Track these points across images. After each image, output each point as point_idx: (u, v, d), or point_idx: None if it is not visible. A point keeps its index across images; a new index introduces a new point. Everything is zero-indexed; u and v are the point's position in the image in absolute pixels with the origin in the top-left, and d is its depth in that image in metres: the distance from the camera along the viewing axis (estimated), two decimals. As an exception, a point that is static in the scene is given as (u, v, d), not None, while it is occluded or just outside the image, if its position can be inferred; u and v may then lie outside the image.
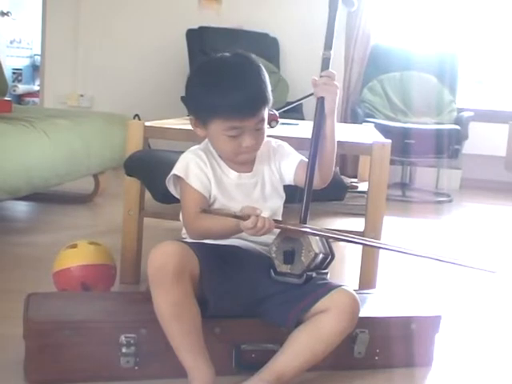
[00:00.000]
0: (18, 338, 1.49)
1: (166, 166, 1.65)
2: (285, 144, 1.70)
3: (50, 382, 1.48)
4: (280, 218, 1.63)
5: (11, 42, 6.82)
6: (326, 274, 1.56)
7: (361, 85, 4.78)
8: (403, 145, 4.14)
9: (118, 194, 2.58)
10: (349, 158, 4.60)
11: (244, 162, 1.60)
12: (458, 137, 4.36)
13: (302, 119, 3.58)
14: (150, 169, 2.04)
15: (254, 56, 1.58)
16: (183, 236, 1.63)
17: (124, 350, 1.49)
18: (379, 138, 2.33)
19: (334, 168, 1.66)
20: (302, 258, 1.48)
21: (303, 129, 2.37)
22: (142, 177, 2.09)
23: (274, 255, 1.50)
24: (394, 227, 3.22)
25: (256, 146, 1.55)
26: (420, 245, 3.02)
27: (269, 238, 1.51)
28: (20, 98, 6.75)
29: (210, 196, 1.57)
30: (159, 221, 2.31)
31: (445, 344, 1.81)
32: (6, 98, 3.61)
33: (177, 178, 1.59)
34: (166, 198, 1.79)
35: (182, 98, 1.61)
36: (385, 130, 3.17)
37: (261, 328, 1.56)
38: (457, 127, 4.39)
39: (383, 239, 2.00)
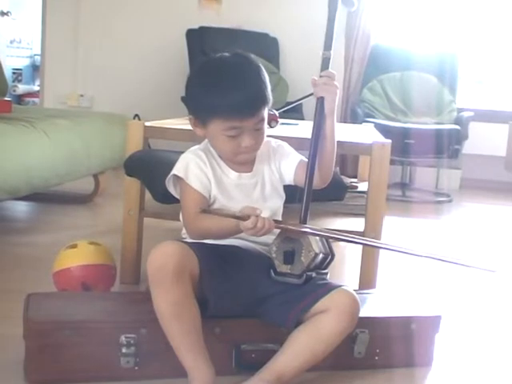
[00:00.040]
0: (18, 338, 1.49)
1: (166, 166, 1.65)
2: (285, 144, 1.70)
3: (50, 382, 1.49)
4: (280, 218, 1.63)
5: (11, 42, 6.82)
6: (326, 274, 1.56)
7: (361, 85, 4.78)
8: (403, 145, 4.14)
9: (117, 194, 2.58)
10: (349, 158, 4.60)
11: (244, 162, 1.60)
12: (458, 137, 4.36)
13: (302, 119, 3.58)
14: (149, 169, 2.04)
15: (253, 56, 1.58)
16: (183, 236, 1.63)
17: (124, 350, 1.49)
18: (379, 138, 2.33)
19: (333, 168, 1.66)
20: (302, 258, 1.48)
21: (303, 129, 2.37)
22: (142, 177, 2.09)
23: (273, 255, 1.51)
24: (394, 227, 3.22)
25: (255, 146, 1.55)
26: (420, 245, 3.02)
27: (269, 238, 1.51)
28: (20, 98, 6.75)
29: (209, 196, 1.57)
30: (159, 221, 2.31)
31: (445, 344, 1.81)
32: (6, 98, 3.61)
33: (177, 178, 1.59)
34: (166, 198, 1.79)
35: (182, 98, 1.61)
36: (385, 130, 3.17)
37: (261, 328, 1.56)
38: (457, 127, 4.39)
39: (383, 239, 2.00)
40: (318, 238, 1.50)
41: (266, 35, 4.82)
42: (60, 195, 3.48)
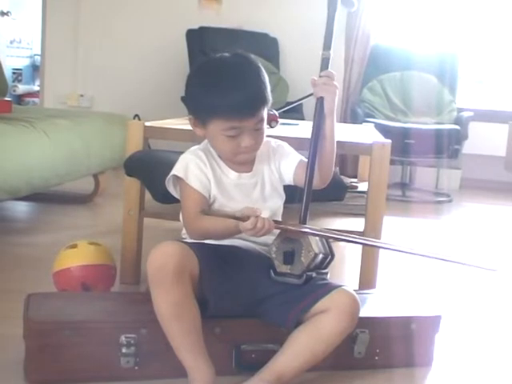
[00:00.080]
0: (18, 338, 1.50)
1: (166, 166, 1.65)
2: (284, 144, 1.70)
3: (50, 382, 1.49)
4: (280, 218, 1.63)
5: (11, 42, 6.82)
6: (326, 274, 1.56)
7: (361, 85, 4.78)
8: (403, 145, 4.14)
9: (117, 194, 2.58)
10: (349, 157, 4.60)
11: (243, 162, 1.60)
12: (458, 137, 4.36)
13: (302, 119, 3.58)
14: (149, 169, 2.04)
15: (253, 56, 1.58)
16: (183, 236, 1.63)
17: (124, 350, 1.49)
18: (379, 138, 2.33)
19: (333, 168, 1.66)
20: (302, 258, 1.48)
21: (303, 129, 2.37)
22: (142, 177, 2.09)
23: (273, 255, 1.51)
24: (394, 227, 3.22)
25: (255, 146, 1.55)
26: (420, 245, 3.02)
27: (269, 239, 1.51)
28: (20, 98, 6.75)
29: (209, 196, 1.57)
30: (159, 221, 2.31)
31: (445, 344, 1.81)
32: (6, 99, 3.61)
33: (176, 178, 1.59)
34: (165, 198, 1.79)
35: (182, 98, 1.61)
36: (385, 130, 3.17)
37: (261, 328, 1.56)
38: (457, 127, 4.39)
39: (383, 239, 2.00)
40: (317, 238, 1.50)
41: (265, 35, 4.82)
42: (60, 195, 3.48)
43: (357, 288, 2.02)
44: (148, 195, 2.09)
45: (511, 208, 4.32)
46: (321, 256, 1.49)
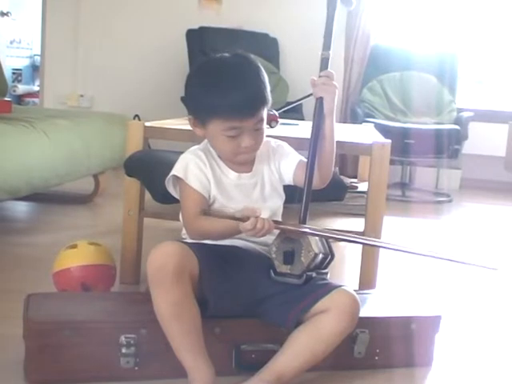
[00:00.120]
0: (18, 338, 1.50)
1: (166, 166, 1.65)
2: (284, 144, 1.70)
3: (50, 382, 1.49)
4: (280, 218, 1.63)
5: (11, 43, 6.82)
6: (326, 274, 1.56)
7: (360, 85, 4.78)
8: (403, 145, 4.14)
9: (118, 194, 2.58)
10: (349, 158, 4.60)
11: (243, 163, 1.60)
12: (458, 137, 4.36)
13: (302, 119, 3.58)
14: (149, 169, 2.04)
15: (253, 56, 1.58)
16: (183, 236, 1.63)
17: (124, 350, 1.49)
18: (379, 138, 2.33)
19: (333, 168, 1.66)
20: (302, 258, 1.48)
21: (303, 129, 2.37)
22: (142, 177, 2.09)
23: (273, 256, 1.51)
24: (394, 227, 3.22)
25: (255, 146, 1.55)
26: (420, 245, 3.02)
27: (269, 239, 1.51)
28: (20, 99, 6.74)
29: (209, 196, 1.57)
30: (159, 221, 2.31)
31: (445, 344, 1.81)
32: (6, 99, 3.61)
33: (176, 178, 1.59)
34: (165, 198, 1.79)
35: (182, 98, 1.61)
36: (384, 130, 3.17)
37: (261, 328, 1.56)
38: (456, 127, 4.39)
39: (383, 239, 2.00)
40: (317, 238, 1.50)
41: (265, 35, 4.82)
42: (60, 195, 3.48)
43: (357, 288, 2.02)
44: (148, 195, 2.09)
45: (511, 208, 4.32)
46: (321, 256, 1.49)
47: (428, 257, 1.54)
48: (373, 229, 2.02)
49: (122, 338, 1.49)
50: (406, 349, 1.67)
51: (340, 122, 4.32)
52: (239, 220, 1.39)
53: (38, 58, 6.44)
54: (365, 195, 2.25)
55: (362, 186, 3.21)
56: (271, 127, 2.24)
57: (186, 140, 2.02)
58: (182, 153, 1.63)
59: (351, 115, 4.64)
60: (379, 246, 1.98)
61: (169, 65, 4.92)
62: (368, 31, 4.78)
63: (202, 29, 4.68)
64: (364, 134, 2.64)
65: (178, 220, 1.63)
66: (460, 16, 5.00)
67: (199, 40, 4.61)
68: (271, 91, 1.55)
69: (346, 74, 4.79)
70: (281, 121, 2.42)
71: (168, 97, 4.59)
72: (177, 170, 1.57)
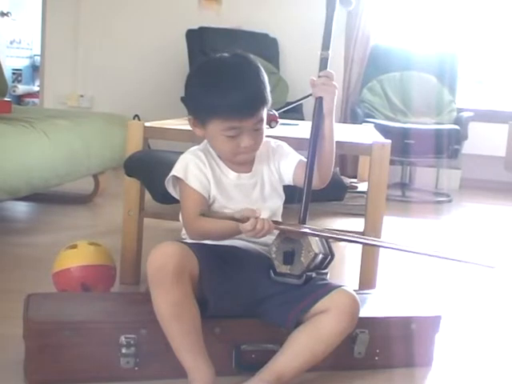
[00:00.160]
0: (18, 338, 1.50)
1: (166, 166, 1.65)
2: (284, 144, 1.70)
3: (50, 382, 1.49)
4: (280, 219, 1.63)
5: (11, 43, 6.82)
6: (326, 274, 1.56)
7: (360, 85, 4.78)
8: (403, 145, 4.14)
9: (117, 195, 2.58)
10: (348, 158, 4.60)
11: (243, 163, 1.60)
12: (458, 137, 4.36)
13: (302, 119, 3.58)
14: (149, 169, 2.04)
15: (252, 56, 1.58)
16: (183, 236, 1.63)
17: (124, 350, 1.49)
18: (379, 138, 2.33)
19: (332, 168, 1.66)
20: (302, 258, 1.48)
21: (303, 129, 2.37)
22: (142, 177, 2.09)
23: (273, 256, 1.51)
24: (394, 227, 3.22)
25: (255, 146, 1.56)
26: (420, 245, 3.02)
27: (269, 239, 1.51)
28: (20, 99, 6.74)
29: (209, 196, 1.57)
30: (159, 221, 2.31)
31: (445, 344, 1.81)
32: (6, 99, 3.61)
33: (176, 178, 1.59)
34: (165, 198, 1.79)
35: (182, 98, 1.61)
36: (384, 130, 3.17)
37: (261, 328, 1.56)
38: (456, 127, 4.39)
39: (383, 239, 2.00)
40: (317, 238, 1.50)
41: (265, 35, 4.82)
42: (60, 195, 3.48)
43: (357, 288, 2.02)
44: (148, 195, 2.09)
45: (511, 208, 4.32)
46: (321, 256, 1.49)
47: (427, 255, 1.55)
48: (373, 229, 2.01)
49: (122, 339, 1.49)
50: (405, 349, 1.67)
51: (340, 122, 4.32)
52: (239, 221, 1.39)
53: (37, 58, 6.44)
54: (365, 195, 2.25)
55: (362, 186, 3.21)
56: (271, 127, 2.24)
57: (186, 140, 2.02)
58: (181, 153, 1.63)
59: (351, 115, 4.64)
60: (379, 246, 1.98)
61: (169, 65, 4.92)
62: (368, 31, 4.78)
63: (201, 29, 4.68)
64: (364, 134, 2.64)
65: (178, 220, 1.63)
66: (460, 16, 5.00)
67: (199, 40, 4.61)
68: (271, 91, 1.55)
69: (345, 74, 4.79)
70: (280, 121, 2.42)
71: (168, 97, 4.60)
72: (177, 171, 1.57)
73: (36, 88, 6.63)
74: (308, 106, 3.26)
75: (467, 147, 4.54)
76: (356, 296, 1.49)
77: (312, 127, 1.61)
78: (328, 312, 1.45)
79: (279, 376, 1.44)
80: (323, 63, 1.64)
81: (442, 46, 4.87)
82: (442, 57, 4.77)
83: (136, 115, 4.62)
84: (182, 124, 2.16)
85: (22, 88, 6.81)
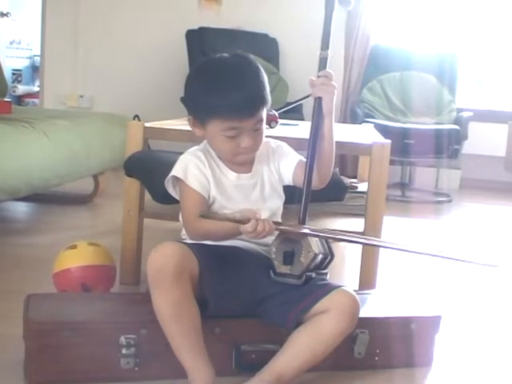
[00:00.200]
0: (18, 338, 1.50)
1: (166, 166, 1.65)
2: (284, 144, 1.70)
3: (50, 382, 1.49)
4: (279, 219, 1.63)
5: (11, 43, 6.82)
6: (326, 274, 1.56)
7: (360, 85, 4.78)
8: (403, 145, 4.14)
9: (117, 195, 2.58)
10: (348, 158, 4.60)
11: (243, 163, 1.60)
12: (458, 137, 4.36)
13: (302, 120, 3.58)
14: (149, 169, 2.04)
15: (252, 56, 1.58)
16: (183, 237, 1.63)
17: (124, 350, 1.49)
18: (379, 138, 2.33)
19: (332, 168, 1.66)
20: (302, 258, 1.48)
21: (303, 129, 2.37)
22: (142, 177, 2.09)
23: (273, 256, 1.51)
24: (394, 227, 3.22)
25: (254, 146, 1.55)
26: (420, 245, 3.02)
27: (269, 239, 1.51)
28: (20, 99, 6.74)
29: (209, 197, 1.57)
30: (159, 221, 2.31)
31: (445, 344, 1.81)
32: (6, 99, 3.62)
33: (176, 179, 1.59)
34: (165, 198, 1.79)
35: (182, 99, 1.61)
36: (384, 131, 3.17)
37: (261, 328, 1.56)
38: (456, 127, 4.39)
39: (383, 239, 2.00)
40: (317, 238, 1.50)
41: (265, 36, 4.82)
42: (60, 196, 3.48)
43: (357, 288, 2.02)
44: (148, 196, 2.10)
45: (511, 208, 4.32)
46: (320, 256, 1.49)
47: (428, 255, 1.55)
48: (373, 229, 2.01)
49: (122, 339, 1.49)
50: (405, 349, 1.67)
51: (340, 122, 4.32)
52: (239, 222, 1.39)
53: (37, 59, 6.44)
54: (365, 195, 2.25)
55: (362, 186, 3.21)
56: (271, 127, 2.24)
57: (186, 140, 2.02)
58: (181, 153, 1.63)
59: (351, 115, 4.64)
60: (379, 246, 1.98)
61: (169, 65, 4.92)
62: (368, 31, 4.78)
63: (201, 29, 4.68)
64: (364, 134, 2.64)
65: (178, 220, 1.63)
66: (460, 16, 5.00)
67: (199, 40, 4.61)
68: (271, 91, 1.55)
69: (345, 74, 4.79)
70: (280, 121, 2.42)
71: (168, 97, 4.59)
72: (176, 171, 1.57)
73: (36, 88, 6.63)
74: (308, 106, 3.25)
75: (467, 147, 4.54)
76: (356, 296, 1.49)
77: (311, 127, 1.61)
78: (328, 312, 1.45)
79: (279, 376, 1.44)
80: (322, 63, 1.64)
81: (441, 45, 4.87)
82: (441, 57, 4.77)
83: (136, 115, 4.62)
84: (182, 124, 2.16)
85: (21, 88, 6.81)
